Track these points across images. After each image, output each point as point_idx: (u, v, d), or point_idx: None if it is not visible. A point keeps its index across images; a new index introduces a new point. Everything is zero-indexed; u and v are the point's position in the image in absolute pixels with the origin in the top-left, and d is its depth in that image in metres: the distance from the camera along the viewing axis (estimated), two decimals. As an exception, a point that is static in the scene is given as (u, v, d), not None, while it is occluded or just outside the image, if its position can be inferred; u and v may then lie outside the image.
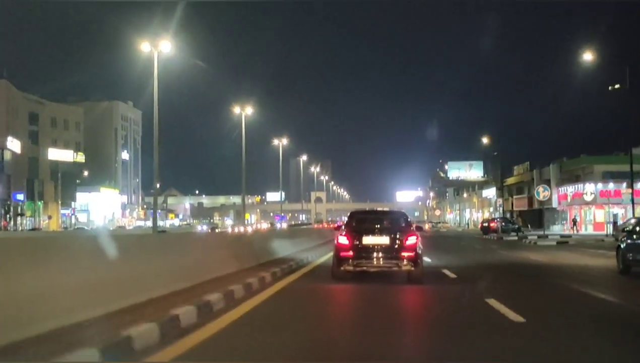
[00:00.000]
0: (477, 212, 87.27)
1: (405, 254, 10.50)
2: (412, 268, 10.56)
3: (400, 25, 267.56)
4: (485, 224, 45.65)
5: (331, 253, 11.70)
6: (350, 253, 10.65)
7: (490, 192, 72.69)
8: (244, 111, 43.78)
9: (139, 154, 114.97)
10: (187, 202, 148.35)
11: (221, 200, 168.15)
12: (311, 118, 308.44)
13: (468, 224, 79.95)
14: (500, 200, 43.93)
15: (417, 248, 10.65)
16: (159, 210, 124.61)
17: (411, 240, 10.64)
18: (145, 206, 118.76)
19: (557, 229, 48.68)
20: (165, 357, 4.80)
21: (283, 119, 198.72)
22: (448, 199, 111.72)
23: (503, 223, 43.73)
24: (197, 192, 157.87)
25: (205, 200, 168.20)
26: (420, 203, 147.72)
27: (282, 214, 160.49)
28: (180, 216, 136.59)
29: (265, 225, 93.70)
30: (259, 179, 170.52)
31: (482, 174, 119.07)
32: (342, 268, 10.77)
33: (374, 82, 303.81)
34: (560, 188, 48.05)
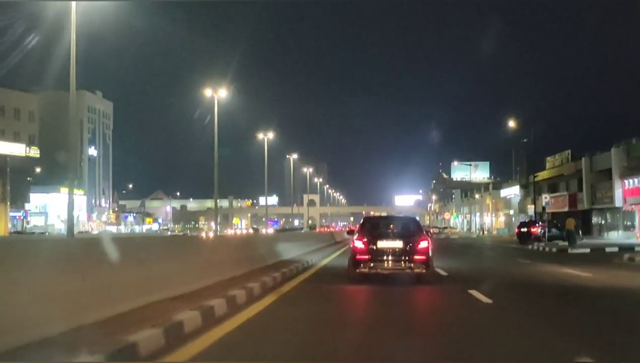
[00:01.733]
0: (490, 215, 75.79)
1: (417, 257, 10.89)
2: (424, 271, 10.96)
3: (401, 26, 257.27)
4: (524, 229, 33.79)
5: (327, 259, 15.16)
6: (366, 256, 11.05)
7: (511, 191, 60.60)
8: (216, 94, 37.32)
9: (109, 150, 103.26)
10: (168, 205, 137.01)
11: (209, 203, 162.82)
12: (308, 120, 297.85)
13: (482, 229, 67.52)
14: (546, 197, 31.79)
15: (429, 252, 11.02)
16: (134, 214, 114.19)
17: (423, 244, 11.02)
18: (117, 209, 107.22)
19: (618, 237, 36.79)
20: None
21: (279, 122, 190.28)
22: (454, 202, 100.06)
23: (547, 229, 32.01)
24: (178, 194, 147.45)
25: (194, 204, 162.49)
26: (420, 207, 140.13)
27: (276, 219, 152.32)
28: (161, 220, 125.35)
29: (243, 231, 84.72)
30: (252, 182, 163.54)
31: (488, 175, 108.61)
32: (357, 270, 11.16)
33: (372, 84, 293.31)
34: (626, 181, 36.06)
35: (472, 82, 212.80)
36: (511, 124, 43.78)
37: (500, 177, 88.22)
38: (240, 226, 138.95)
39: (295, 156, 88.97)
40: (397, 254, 10.86)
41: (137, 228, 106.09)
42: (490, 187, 75.24)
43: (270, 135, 59.60)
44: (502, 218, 74.23)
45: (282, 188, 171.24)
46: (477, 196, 78.76)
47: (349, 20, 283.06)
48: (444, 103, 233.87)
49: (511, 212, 62.74)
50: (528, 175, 52.41)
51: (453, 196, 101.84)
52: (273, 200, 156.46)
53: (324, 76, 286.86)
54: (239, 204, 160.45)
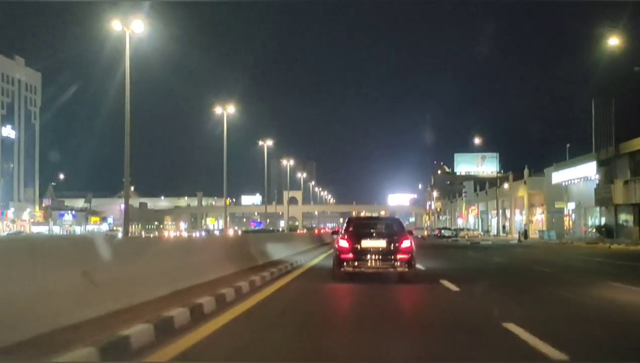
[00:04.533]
0: (526, 212, 56.33)
1: (400, 257, 11.02)
2: (407, 270, 11.09)
3: (392, 22, 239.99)
4: None
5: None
6: (350, 255, 11.16)
7: (576, 174, 40.11)
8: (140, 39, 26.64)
9: (35, 131, 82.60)
10: (122, 203, 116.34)
11: (182, 202, 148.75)
12: (296, 119, 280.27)
13: (525, 233, 46.64)
14: None
15: (412, 251, 11.15)
16: (74, 212, 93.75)
17: (406, 243, 11.17)
18: (46, 205, 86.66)
19: None
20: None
21: (265, 119, 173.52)
22: (465, 197, 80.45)
23: None
24: (132, 189, 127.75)
25: (165, 202, 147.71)
26: (418, 206, 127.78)
27: (259, 219, 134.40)
28: (111, 220, 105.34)
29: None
30: (235, 180, 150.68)
31: (497, 169, 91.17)
32: (342, 269, 11.28)
33: (363, 80, 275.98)
34: None
35: (465, 79, 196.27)
36: (613, 42, 24.10)
37: (508, 171, 71.29)
38: (217, 227, 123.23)
39: (270, 143, 66.69)
40: (380, 253, 11.04)
41: (77, 229, 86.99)
42: (526, 173, 55.46)
43: (231, 109, 42.56)
44: (539, 216, 54.71)
45: (266, 185, 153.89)
46: (505, 185, 58.86)
47: (338, 18, 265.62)
48: (439, 98, 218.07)
49: (570, 206, 42.59)
50: (617, 143, 32.54)
51: (464, 191, 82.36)
52: (256, 199, 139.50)
53: (313, 73, 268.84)
54: (213, 202, 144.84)
